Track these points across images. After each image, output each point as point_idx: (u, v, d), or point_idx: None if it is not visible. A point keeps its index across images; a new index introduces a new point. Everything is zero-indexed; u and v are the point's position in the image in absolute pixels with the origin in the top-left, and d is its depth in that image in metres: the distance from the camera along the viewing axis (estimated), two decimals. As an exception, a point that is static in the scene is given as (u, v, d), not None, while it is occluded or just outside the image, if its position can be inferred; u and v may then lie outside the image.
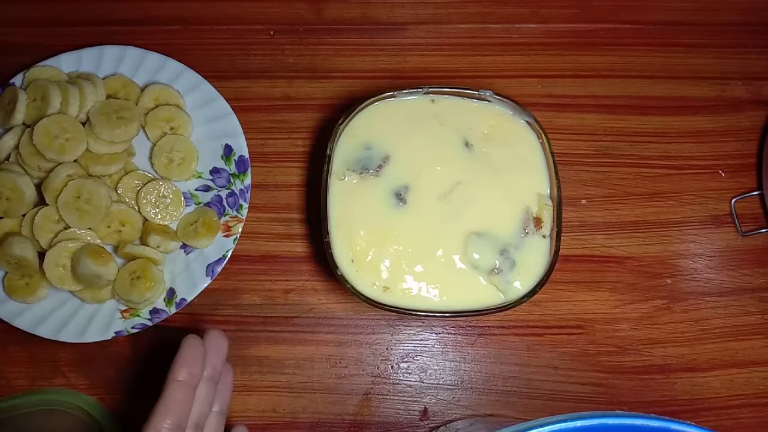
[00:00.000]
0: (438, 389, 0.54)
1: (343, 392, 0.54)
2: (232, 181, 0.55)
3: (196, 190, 0.55)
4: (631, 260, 0.57)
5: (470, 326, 0.55)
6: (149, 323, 0.52)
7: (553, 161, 0.50)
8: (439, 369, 0.55)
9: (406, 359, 0.55)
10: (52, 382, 0.54)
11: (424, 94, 0.51)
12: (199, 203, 0.55)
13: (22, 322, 0.51)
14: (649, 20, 0.62)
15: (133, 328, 0.52)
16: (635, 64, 0.61)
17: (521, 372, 0.55)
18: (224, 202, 0.55)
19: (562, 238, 0.48)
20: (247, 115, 0.57)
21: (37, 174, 0.52)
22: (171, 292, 0.53)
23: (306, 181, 0.58)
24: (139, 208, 0.53)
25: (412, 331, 0.55)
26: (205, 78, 0.56)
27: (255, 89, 0.59)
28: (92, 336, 0.52)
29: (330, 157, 0.49)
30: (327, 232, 0.48)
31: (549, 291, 0.55)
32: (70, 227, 0.51)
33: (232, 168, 0.55)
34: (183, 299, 0.53)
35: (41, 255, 0.51)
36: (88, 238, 0.52)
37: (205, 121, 0.56)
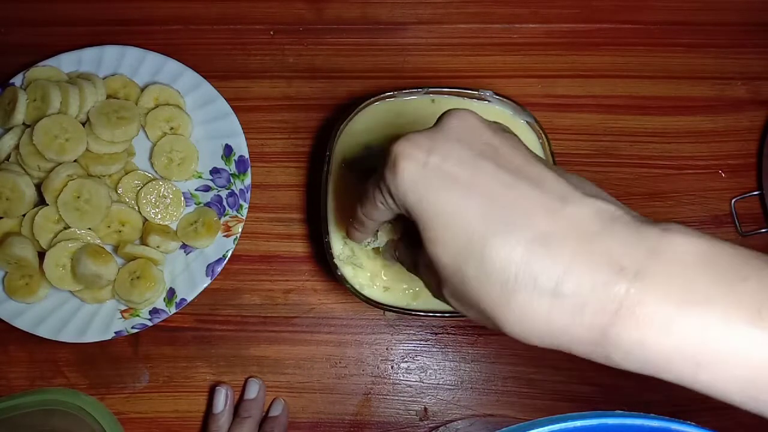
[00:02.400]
0: (438, 389, 0.54)
1: (343, 392, 0.54)
2: (232, 181, 0.55)
3: (196, 190, 0.55)
4: (631, 260, 0.57)
5: (470, 326, 0.55)
6: (149, 323, 0.52)
7: (553, 161, 0.50)
8: (439, 369, 0.55)
9: (406, 359, 0.55)
10: (52, 382, 0.54)
11: (424, 94, 0.51)
12: (199, 203, 0.55)
13: (22, 322, 0.51)
14: (649, 20, 0.62)
15: (133, 328, 0.52)
16: (635, 64, 0.61)
17: (521, 372, 0.55)
18: (224, 202, 0.55)
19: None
20: (247, 115, 0.57)
21: (37, 174, 0.52)
22: (171, 292, 0.53)
23: (306, 181, 0.58)
24: (139, 208, 0.53)
25: (412, 331, 0.55)
26: (205, 78, 0.56)
27: (255, 89, 0.59)
28: (92, 336, 0.52)
29: (330, 157, 0.49)
30: (327, 232, 0.48)
31: (549, 291, 0.55)
32: (70, 227, 0.51)
33: (232, 168, 0.55)
34: (183, 299, 0.53)
35: (41, 255, 0.51)
36: (88, 238, 0.52)
37: (205, 121, 0.56)
